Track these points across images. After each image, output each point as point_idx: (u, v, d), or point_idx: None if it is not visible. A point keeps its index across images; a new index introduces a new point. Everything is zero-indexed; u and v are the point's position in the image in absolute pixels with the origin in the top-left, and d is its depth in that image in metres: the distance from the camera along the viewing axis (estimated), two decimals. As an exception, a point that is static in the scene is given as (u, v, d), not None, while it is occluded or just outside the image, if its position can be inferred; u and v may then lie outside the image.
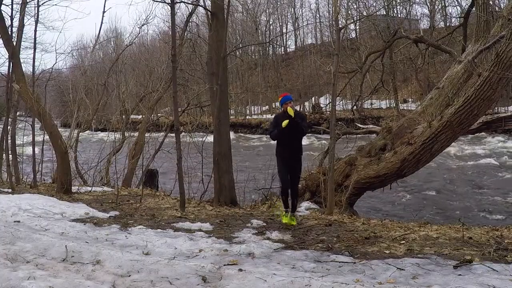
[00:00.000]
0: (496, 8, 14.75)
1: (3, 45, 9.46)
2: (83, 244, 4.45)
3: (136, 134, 13.05)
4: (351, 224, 6.17)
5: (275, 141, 6.25)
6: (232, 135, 9.65)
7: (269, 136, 6.32)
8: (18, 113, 12.57)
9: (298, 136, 6.13)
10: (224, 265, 3.92)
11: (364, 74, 12.40)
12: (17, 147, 10.50)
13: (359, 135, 11.12)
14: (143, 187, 9.51)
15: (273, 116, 6.43)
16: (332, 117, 7.73)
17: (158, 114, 16.93)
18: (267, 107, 41.65)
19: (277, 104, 41.06)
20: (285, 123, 5.86)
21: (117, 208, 7.17)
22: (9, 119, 10.03)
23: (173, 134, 8.02)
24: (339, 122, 15.37)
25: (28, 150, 11.61)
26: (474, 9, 10.12)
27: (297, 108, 38.35)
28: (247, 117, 40.12)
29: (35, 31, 9.95)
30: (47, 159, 12.98)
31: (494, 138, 22.24)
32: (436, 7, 34.85)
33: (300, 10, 57.70)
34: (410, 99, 33.71)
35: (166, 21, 38.62)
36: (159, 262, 3.92)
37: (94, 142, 18.89)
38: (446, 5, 34.83)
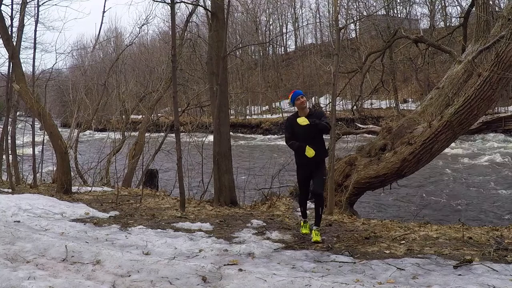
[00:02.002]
0: (496, 8, 14.76)
1: (3, 45, 9.48)
2: (83, 244, 4.45)
3: (136, 134, 13.06)
4: (351, 224, 6.17)
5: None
6: (232, 135, 9.65)
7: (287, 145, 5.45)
8: (18, 113, 12.57)
9: (318, 136, 5.24)
10: (224, 265, 3.92)
11: (364, 74, 12.40)
12: (17, 147, 10.50)
13: (359, 135, 11.13)
14: (143, 187, 9.52)
15: (285, 119, 5.61)
16: (332, 117, 7.73)
17: (158, 114, 16.94)
18: (267, 107, 41.66)
19: (277, 104, 40.68)
20: (303, 121, 5.11)
21: (117, 208, 7.17)
22: (9, 119, 10.03)
23: (173, 134, 8.03)
24: (339, 122, 15.37)
25: (28, 150, 11.62)
26: (474, 9, 10.12)
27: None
28: (247, 117, 40.13)
29: (35, 31, 9.96)
30: (47, 159, 12.98)
31: (494, 138, 22.24)
32: (436, 7, 34.88)
33: (300, 10, 57.78)
34: (410, 99, 33.73)
35: (166, 21, 38.70)
36: (159, 262, 3.92)
37: (94, 142, 18.90)
38: (446, 5, 34.86)
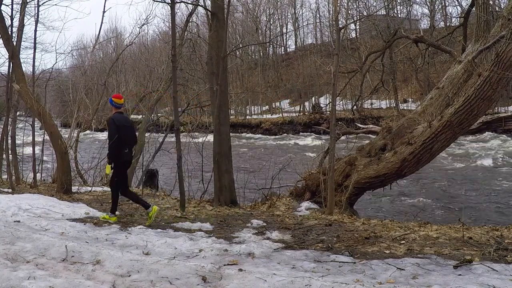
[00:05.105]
0: (496, 8, 14.76)
1: (3, 45, 9.48)
2: (83, 244, 4.45)
3: (136, 134, 13.02)
4: (351, 224, 6.16)
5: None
6: (232, 135, 9.64)
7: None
8: (18, 113, 12.56)
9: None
10: (224, 265, 3.92)
11: (364, 74, 12.39)
12: (17, 147, 10.50)
13: (359, 135, 11.12)
14: (143, 187, 9.52)
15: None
16: (332, 117, 7.74)
17: (158, 114, 16.93)
18: (267, 107, 41.64)
19: (277, 104, 40.83)
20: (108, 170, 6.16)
21: (118, 208, 7.16)
22: (9, 119, 10.02)
23: (173, 134, 8.03)
24: (339, 122, 15.40)
25: (28, 150, 11.61)
26: (474, 9, 10.12)
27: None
28: (247, 117, 40.11)
29: (35, 31, 9.96)
30: (47, 159, 12.97)
31: (494, 138, 22.24)
32: (436, 7, 34.88)
33: (300, 10, 57.83)
34: (410, 99, 33.74)
35: (166, 21, 38.69)
36: (159, 262, 3.92)
37: (94, 142, 18.89)
38: (446, 5, 34.87)
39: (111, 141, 6.00)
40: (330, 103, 7.82)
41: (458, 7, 31.64)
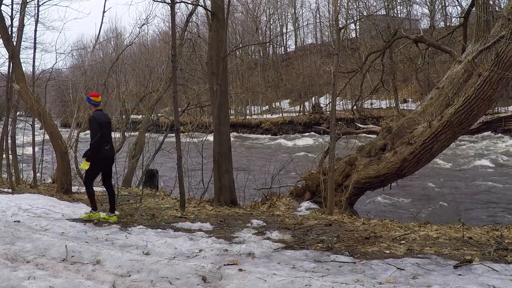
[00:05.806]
0: (496, 8, 14.77)
1: (3, 45, 9.48)
2: (83, 244, 4.45)
3: (136, 134, 13.05)
4: (351, 224, 6.16)
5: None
6: (232, 135, 9.65)
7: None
8: (18, 113, 12.57)
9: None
10: (224, 265, 3.92)
11: (364, 74, 12.40)
12: (17, 147, 10.50)
13: (359, 135, 11.12)
14: (143, 187, 9.52)
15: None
16: (332, 117, 7.74)
17: (158, 114, 16.94)
18: (267, 107, 41.64)
19: (277, 104, 40.75)
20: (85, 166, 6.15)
21: (117, 208, 7.16)
22: (9, 119, 10.03)
23: (173, 134, 8.03)
24: (339, 122, 15.39)
25: (28, 150, 11.61)
26: (474, 9, 10.12)
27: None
28: (247, 117, 40.11)
29: (35, 31, 9.97)
30: (47, 159, 12.97)
31: (494, 138, 22.24)
32: (436, 7, 34.89)
33: (300, 10, 57.83)
34: (410, 99, 33.74)
35: (166, 21, 38.70)
36: (159, 262, 3.92)
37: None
38: (446, 5, 34.87)
39: (93, 139, 6.05)
40: (330, 103, 7.83)
41: (458, 7, 31.63)
